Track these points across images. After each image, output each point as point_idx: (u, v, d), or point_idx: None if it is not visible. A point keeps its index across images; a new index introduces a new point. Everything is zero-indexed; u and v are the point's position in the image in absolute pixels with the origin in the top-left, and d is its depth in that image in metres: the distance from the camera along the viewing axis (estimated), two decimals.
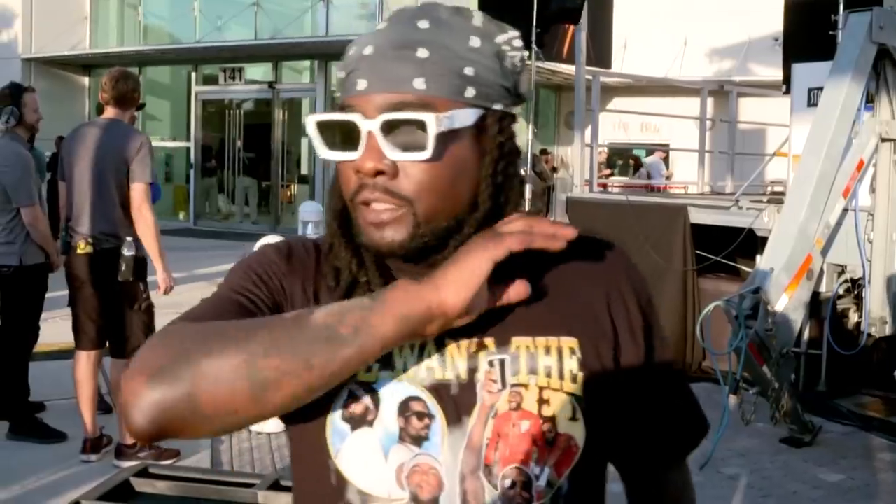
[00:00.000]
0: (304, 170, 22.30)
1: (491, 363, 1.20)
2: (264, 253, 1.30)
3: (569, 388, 1.21)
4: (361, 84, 1.17)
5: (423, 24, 1.18)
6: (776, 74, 12.67)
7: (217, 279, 9.44)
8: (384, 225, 1.17)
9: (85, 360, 5.50)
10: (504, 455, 1.18)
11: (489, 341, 1.20)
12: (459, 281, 1.08)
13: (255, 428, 6.09)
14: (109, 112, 5.47)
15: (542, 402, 1.19)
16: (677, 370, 1.39)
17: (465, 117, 1.17)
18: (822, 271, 6.58)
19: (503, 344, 1.20)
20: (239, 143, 22.24)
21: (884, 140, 6.63)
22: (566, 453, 1.21)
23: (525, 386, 1.19)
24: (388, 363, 1.18)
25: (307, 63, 21.53)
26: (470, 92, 1.17)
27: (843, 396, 7.18)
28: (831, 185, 6.15)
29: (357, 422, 1.18)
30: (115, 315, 5.39)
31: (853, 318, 7.08)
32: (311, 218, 10.06)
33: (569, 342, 1.23)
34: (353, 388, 1.18)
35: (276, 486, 2.39)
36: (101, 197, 5.33)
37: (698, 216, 7.95)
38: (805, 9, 9.82)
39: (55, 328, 7.66)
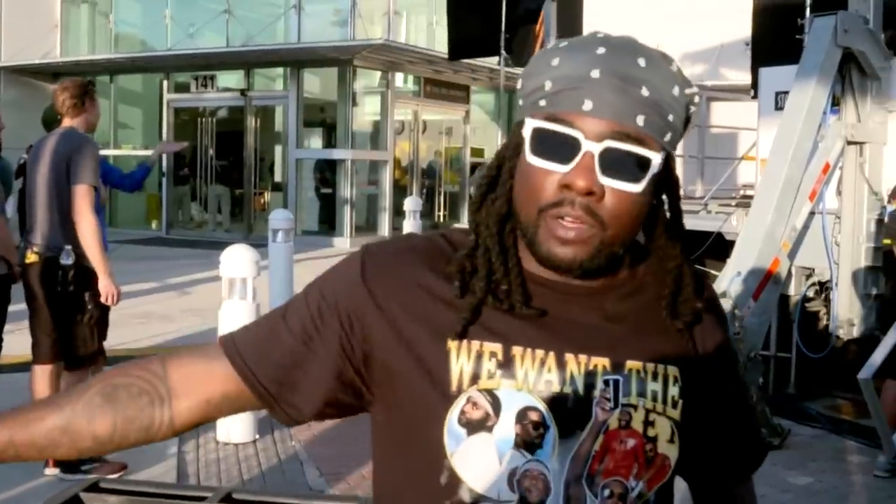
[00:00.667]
0: (277, 177, 22.20)
1: (606, 382, 1.28)
2: (339, 276, 1.36)
3: (670, 413, 1.32)
4: (587, 105, 1.21)
5: (642, 62, 1.24)
6: (746, 78, 12.73)
7: (190, 287, 9.41)
8: (570, 242, 1.24)
9: (40, 373, 5.41)
10: (608, 467, 1.28)
11: (605, 362, 1.29)
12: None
13: (221, 439, 6.05)
14: (65, 122, 5.45)
15: (647, 423, 1.30)
16: (748, 395, 1.55)
17: (661, 159, 1.26)
18: (790, 274, 6.61)
19: (618, 366, 1.30)
20: (211, 151, 22.10)
21: (849, 143, 6.66)
22: (660, 471, 1.32)
23: (634, 407, 1.29)
24: (510, 372, 1.26)
25: (280, 70, 21.44)
26: (668, 136, 1.26)
27: (812, 399, 7.21)
28: (798, 188, 6.17)
29: (475, 427, 1.25)
30: (61, 325, 5.33)
31: (821, 320, 7.11)
32: (281, 226, 10.01)
33: (673, 370, 1.33)
34: (473, 394, 1.26)
35: (228, 500, 2.34)
36: (49, 206, 5.30)
37: None
38: (773, 13, 9.87)
39: (20, 340, 7.58)
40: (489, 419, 1.25)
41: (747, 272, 5.88)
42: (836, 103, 6.64)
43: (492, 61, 14.36)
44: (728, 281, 5.85)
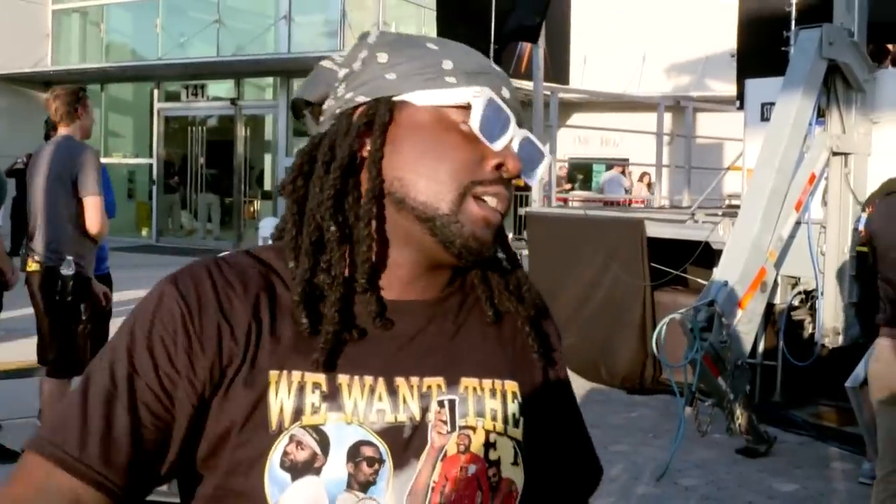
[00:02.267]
0: (266, 186, 22.24)
1: (441, 403, 1.16)
2: (162, 317, 1.13)
3: (512, 433, 1.21)
4: (505, 92, 1.21)
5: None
6: (732, 90, 12.82)
7: None
8: (492, 226, 1.17)
9: (47, 377, 5.51)
10: (450, 499, 1.15)
11: (440, 381, 1.17)
12: None
13: None
14: (60, 130, 5.49)
15: (488, 445, 1.18)
16: (580, 414, 1.41)
17: None
18: (776, 283, 6.67)
19: (453, 384, 1.18)
20: (201, 160, 22.15)
21: (835, 154, 6.73)
22: (507, 499, 1.20)
23: (473, 429, 1.17)
24: (336, 404, 1.12)
25: (269, 80, 21.50)
26: None
27: (798, 407, 7.28)
28: (784, 198, 6.24)
29: (300, 470, 1.09)
30: (56, 334, 5.39)
31: (807, 329, 7.17)
32: (272, 234, 10.06)
33: (511, 386, 1.23)
34: (296, 432, 1.10)
35: None
36: (49, 215, 5.35)
37: (655, 230, 8.02)
38: (758, 25, 9.95)
39: (14, 346, 7.62)
40: (317, 459, 1.09)
41: (734, 281, 5.94)
42: (821, 115, 6.71)
43: None
44: (715, 290, 5.92)
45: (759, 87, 8.13)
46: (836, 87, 6.68)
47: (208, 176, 22.16)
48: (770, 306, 6.77)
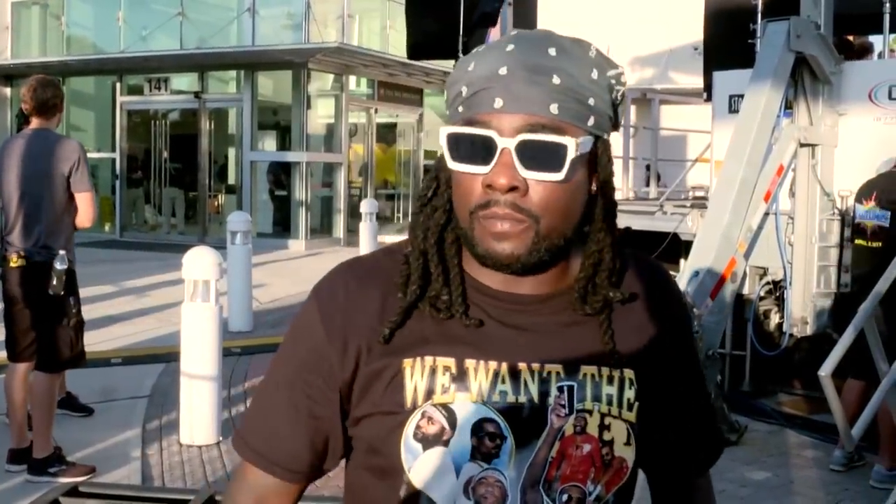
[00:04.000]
0: (231, 180, 22.09)
1: (560, 389, 1.29)
2: (307, 346, 1.36)
3: (626, 416, 1.32)
4: (497, 102, 1.22)
5: (552, 51, 1.24)
6: (696, 82, 12.88)
7: (145, 292, 9.36)
8: (506, 236, 1.23)
9: (19, 371, 5.45)
10: (565, 473, 1.29)
11: (559, 368, 1.30)
12: None
13: (185, 441, 6.05)
14: (35, 122, 5.39)
15: (602, 427, 1.31)
16: (706, 389, 1.54)
17: (588, 144, 1.26)
18: (745, 274, 6.73)
19: (572, 371, 1.30)
20: (165, 154, 21.95)
21: (802, 145, 6.81)
22: (617, 473, 1.33)
23: (589, 412, 1.30)
24: (463, 385, 1.27)
25: (233, 73, 21.34)
26: (591, 121, 1.26)
27: (766, 396, 7.36)
28: (753, 189, 6.29)
29: (430, 441, 1.26)
30: (45, 329, 5.33)
31: (775, 318, 7.25)
32: (239, 228, 10.02)
33: (629, 373, 1.34)
34: (428, 409, 1.27)
35: (211, 502, 2.35)
36: (34, 210, 5.27)
37: (624, 221, 8.06)
38: (724, 18, 10.00)
39: None
40: (444, 433, 1.26)
41: (705, 272, 5.98)
42: (788, 107, 6.78)
43: (447, 64, 14.41)
44: (686, 280, 5.96)
45: (726, 80, 8.19)
46: (803, 80, 6.76)
47: (172, 170, 21.98)
48: (739, 297, 6.83)
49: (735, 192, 6.18)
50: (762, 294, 7.23)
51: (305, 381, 1.33)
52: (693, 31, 13.45)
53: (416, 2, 10.35)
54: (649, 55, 20.11)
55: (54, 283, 5.21)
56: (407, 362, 1.28)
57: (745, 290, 7.07)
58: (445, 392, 1.27)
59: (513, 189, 1.21)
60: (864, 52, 9.18)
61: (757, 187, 6.31)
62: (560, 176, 1.22)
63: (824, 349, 5.87)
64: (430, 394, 1.27)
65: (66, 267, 5.23)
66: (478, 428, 1.26)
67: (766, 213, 6.63)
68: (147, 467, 5.62)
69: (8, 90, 22.97)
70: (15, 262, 5.28)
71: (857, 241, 6.12)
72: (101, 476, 5.35)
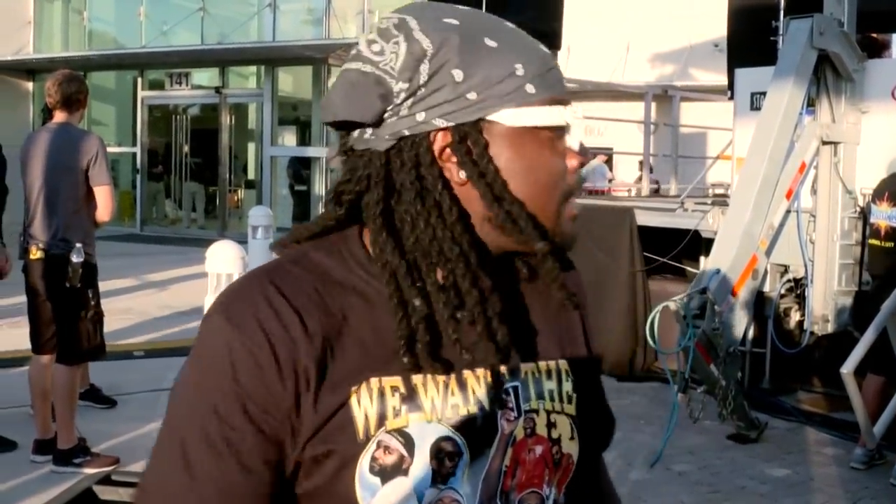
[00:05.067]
0: (251, 175, 22.19)
1: (506, 391, 1.20)
2: (236, 372, 1.10)
3: (568, 410, 1.26)
4: (564, 83, 1.20)
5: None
6: (717, 79, 12.89)
7: (166, 285, 9.42)
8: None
9: (38, 363, 5.52)
10: (521, 481, 1.20)
11: (502, 369, 1.19)
12: None
13: None
14: (58, 116, 5.44)
15: (550, 425, 1.23)
16: (600, 364, 1.46)
17: None
18: (766, 271, 6.73)
19: (514, 371, 1.21)
20: (186, 149, 22.07)
21: (824, 143, 6.79)
22: (566, 471, 1.27)
23: (536, 411, 1.22)
24: (415, 404, 1.13)
25: (253, 68, 21.42)
26: None
27: (786, 393, 7.35)
28: (775, 187, 6.29)
29: (390, 473, 1.11)
30: (64, 321, 5.38)
31: (795, 316, 7.24)
32: (260, 222, 10.04)
33: (563, 364, 1.28)
34: (382, 437, 1.11)
35: None
36: (53, 202, 5.31)
37: (644, 218, 8.07)
38: (747, 15, 9.99)
39: (5, 336, 7.60)
40: (404, 461, 1.11)
41: (726, 269, 5.99)
42: (811, 104, 6.77)
43: None
44: (708, 277, 5.97)
45: (749, 77, 8.17)
46: (825, 77, 6.74)
47: (192, 165, 22.09)
48: (760, 294, 6.82)
49: (757, 189, 6.18)
50: (783, 291, 7.22)
51: (228, 417, 1.09)
52: (714, 27, 13.45)
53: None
54: (670, 51, 20.05)
55: (70, 275, 5.26)
56: (353, 390, 1.11)
57: (767, 288, 7.06)
58: (398, 415, 1.11)
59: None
60: (882, 48, 9.14)
61: (779, 185, 6.31)
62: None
63: (845, 347, 5.88)
64: (382, 419, 1.11)
65: (82, 260, 5.28)
66: (436, 449, 1.13)
67: (788, 211, 6.63)
68: None
69: (31, 84, 23.12)
70: (35, 254, 5.34)
71: (871, 241, 6.14)
72: (125, 467, 5.39)
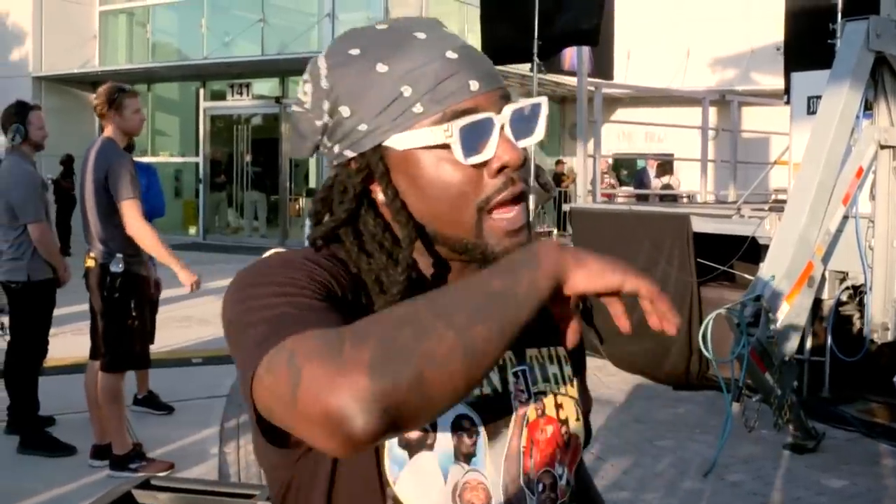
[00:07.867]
0: (311, 183, 22.35)
1: (516, 374, 1.27)
2: (296, 262, 1.15)
3: (571, 393, 1.33)
4: (474, 85, 1.15)
5: (447, 29, 1.22)
6: (778, 83, 12.71)
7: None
8: (521, 230, 1.18)
9: (92, 369, 5.67)
10: (537, 460, 1.26)
11: (510, 353, 1.27)
12: (596, 270, 1.01)
13: None
14: (105, 129, 5.60)
15: (557, 406, 1.30)
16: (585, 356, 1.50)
17: None
18: (823, 278, 6.62)
19: (520, 356, 1.28)
20: (247, 158, 22.30)
21: (883, 147, 6.67)
22: (574, 452, 1.33)
23: (544, 393, 1.29)
24: None
25: None
26: None
27: (846, 403, 7.21)
28: (831, 192, 6.19)
29: (415, 447, 1.16)
30: (105, 329, 5.49)
31: (856, 324, 7.11)
32: None
33: (562, 350, 1.35)
34: None
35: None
36: (94, 213, 5.46)
37: (700, 225, 7.98)
38: (804, 18, 9.86)
39: (65, 343, 7.74)
40: (428, 436, 1.16)
41: (781, 276, 5.90)
42: (868, 107, 6.65)
43: (523, 68, 14.39)
44: (762, 285, 5.89)
45: (805, 80, 8.06)
46: (883, 80, 6.62)
47: (253, 174, 22.33)
48: (818, 301, 6.72)
49: (812, 194, 6.09)
50: (842, 299, 7.09)
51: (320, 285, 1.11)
52: (776, 30, 13.26)
53: (491, 6, 10.39)
54: (730, 56, 19.86)
55: (108, 284, 5.37)
56: None
57: (825, 295, 6.95)
58: None
59: (524, 162, 1.17)
60: None
61: (835, 190, 6.21)
62: (541, 135, 1.19)
63: None
64: None
65: (121, 269, 5.37)
66: (456, 426, 1.18)
67: (846, 217, 6.52)
68: (224, 465, 5.73)
69: None
70: (88, 263, 5.52)
71: None
72: (179, 473, 5.47)
